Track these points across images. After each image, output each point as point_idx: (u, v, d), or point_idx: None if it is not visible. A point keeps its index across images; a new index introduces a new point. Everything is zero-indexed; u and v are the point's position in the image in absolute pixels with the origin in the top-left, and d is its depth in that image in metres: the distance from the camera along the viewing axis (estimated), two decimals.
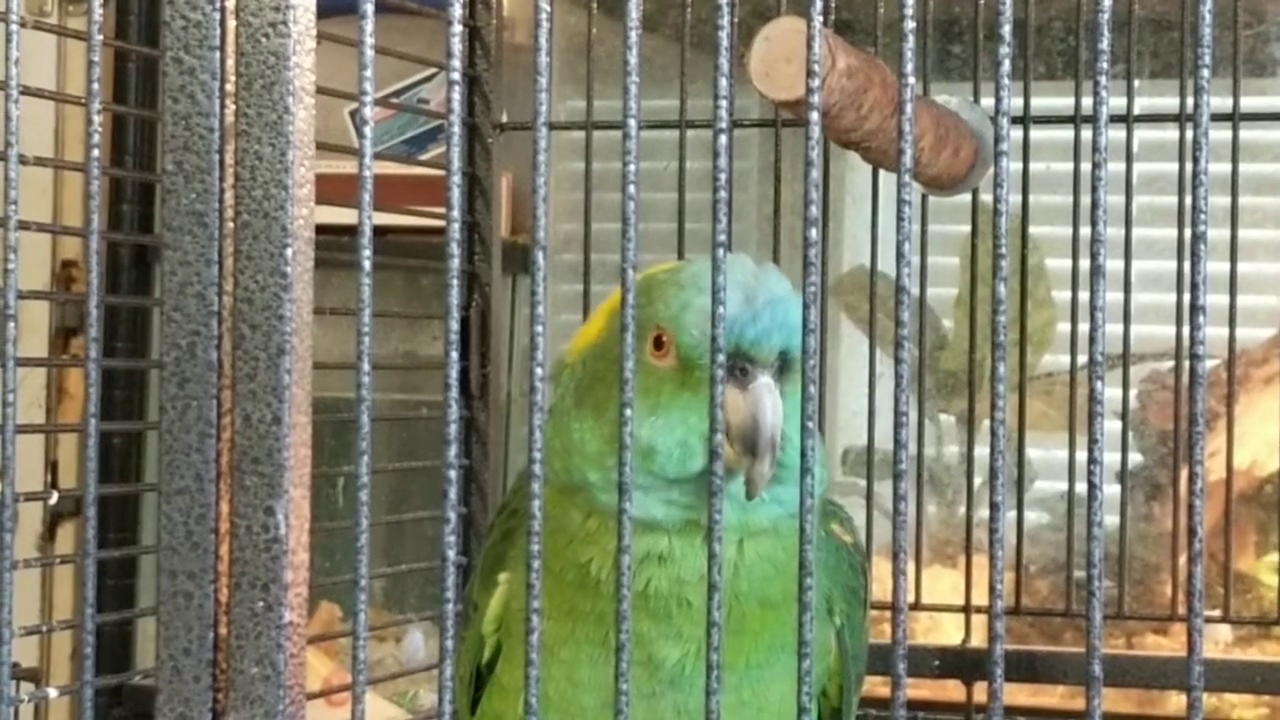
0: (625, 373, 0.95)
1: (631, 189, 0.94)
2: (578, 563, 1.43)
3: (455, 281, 0.96)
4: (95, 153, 1.05)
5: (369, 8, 0.97)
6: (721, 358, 0.96)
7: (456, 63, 0.96)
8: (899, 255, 0.94)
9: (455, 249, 0.96)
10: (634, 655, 0.95)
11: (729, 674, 1.36)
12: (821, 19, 0.95)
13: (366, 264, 0.97)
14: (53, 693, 1.91)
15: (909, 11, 0.93)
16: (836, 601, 1.53)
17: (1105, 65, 0.91)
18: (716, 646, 0.94)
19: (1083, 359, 2.22)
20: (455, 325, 0.96)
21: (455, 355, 0.96)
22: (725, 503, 0.96)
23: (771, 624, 1.43)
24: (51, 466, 3.49)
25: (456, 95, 0.96)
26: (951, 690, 2.33)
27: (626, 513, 0.95)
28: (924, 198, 2.19)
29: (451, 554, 0.96)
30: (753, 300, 1.35)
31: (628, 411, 0.95)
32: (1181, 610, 2.32)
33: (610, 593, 1.40)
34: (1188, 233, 0.91)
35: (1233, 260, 2.19)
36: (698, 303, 1.37)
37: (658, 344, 1.38)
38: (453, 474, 0.96)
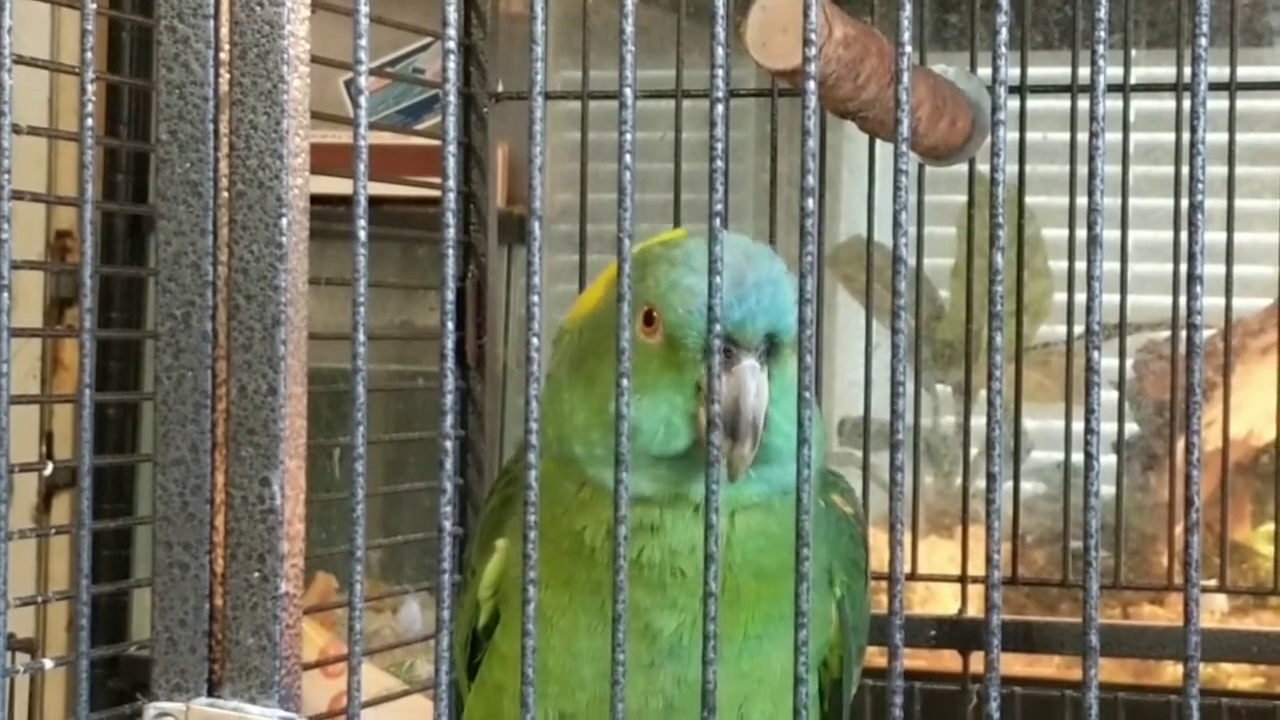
0: (621, 342, 0.94)
1: (628, 159, 0.94)
2: (573, 531, 1.43)
3: (451, 252, 0.96)
4: (89, 122, 1.04)
5: None
6: (718, 328, 0.96)
7: (452, 32, 0.96)
8: (896, 225, 0.94)
9: (451, 219, 0.95)
10: (631, 625, 0.95)
11: (727, 645, 1.36)
12: None
13: (362, 234, 0.96)
14: (48, 664, 1.90)
15: None
16: (837, 573, 1.53)
17: (1102, 34, 0.90)
18: (713, 616, 0.94)
19: (1079, 329, 2.21)
20: (451, 296, 0.96)
21: (451, 326, 0.96)
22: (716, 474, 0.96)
23: (768, 596, 1.43)
24: (47, 437, 3.49)
25: (452, 64, 0.96)
26: (948, 660, 2.33)
27: (623, 482, 0.95)
28: (921, 167, 2.19)
29: (447, 525, 0.96)
30: (740, 282, 1.35)
31: (624, 382, 0.94)
32: (1178, 580, 2.32)
33: (605, 561, 1.41)
34: (1184, 203, 0.91)
35: (1229, 230, 2.19)
36: (686, 282, 1.37)
37: (648, 320, 1.38)
38: (448, 445, 0.96)
